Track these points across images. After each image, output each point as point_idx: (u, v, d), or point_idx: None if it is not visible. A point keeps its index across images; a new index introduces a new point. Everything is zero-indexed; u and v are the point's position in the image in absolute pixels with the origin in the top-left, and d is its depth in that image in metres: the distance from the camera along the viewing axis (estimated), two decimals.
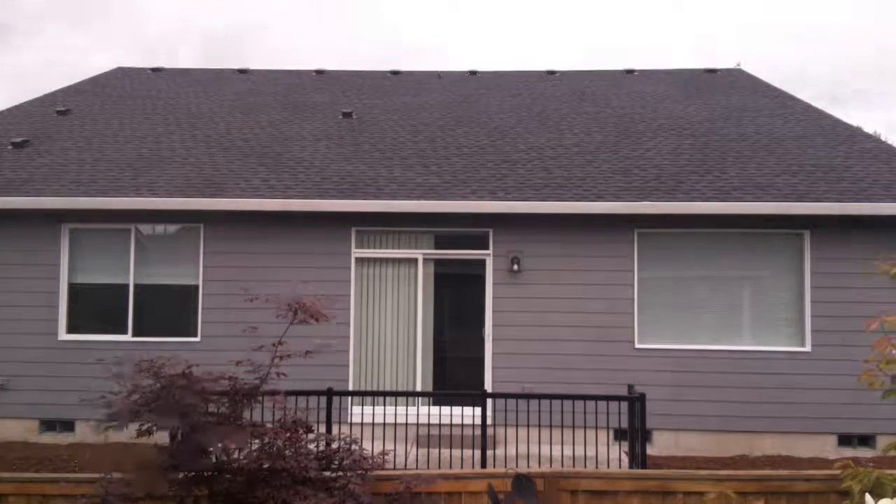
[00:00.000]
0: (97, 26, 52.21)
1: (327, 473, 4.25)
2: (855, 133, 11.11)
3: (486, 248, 9.20)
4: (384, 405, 7.73)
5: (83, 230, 9.42)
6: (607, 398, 6.93)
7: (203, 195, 9.14)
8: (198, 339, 9.09)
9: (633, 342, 8.90)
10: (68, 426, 9.05)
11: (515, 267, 9.02)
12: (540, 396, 7.08)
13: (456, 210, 8.89)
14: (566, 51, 48.71)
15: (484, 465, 6.77)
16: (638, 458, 6.80)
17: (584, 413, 6.89)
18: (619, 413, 7.17)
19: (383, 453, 4.54)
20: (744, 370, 8.74)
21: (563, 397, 6.98)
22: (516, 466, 6.95)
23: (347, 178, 9.58)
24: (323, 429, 6.48)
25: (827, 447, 8.57)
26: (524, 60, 50.89)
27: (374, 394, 8.56)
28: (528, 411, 6.87)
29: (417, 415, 7.70)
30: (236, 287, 8.52)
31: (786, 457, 8.48)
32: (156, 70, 15.10)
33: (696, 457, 8.40)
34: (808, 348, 8.78)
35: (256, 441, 4.15)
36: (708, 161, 9.91)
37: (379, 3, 51.94)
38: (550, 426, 7.09)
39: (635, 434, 6.88)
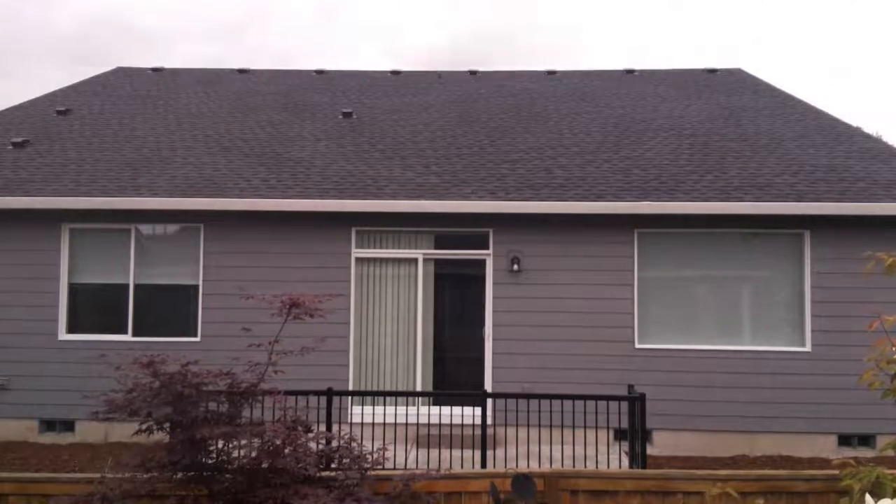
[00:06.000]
0: None
1: (326, 473, 4.24)
2: (855, 133, 11.11)
3: (486, 248, 9.19)
4: (384, 405, 7.74)
5: (83, 230, 9.42)
6: (607, 398, 6.92)
7: (203, 195, 9.13)
8: (198, 338, 9.09)
9: (633, 342, 8.89)
10: (68, 426, 9.05)
11: (515, 267, 9.01)
12: (540, 396, 7.08)
13: (456, 210, 8.89)
14: (566, 51, 48.72)
15: (484, 464, 6.76)
16: (638, 458, 6.79)
17: (585, 413, 6.89)
18: (619, 413, 7.17)
19: (383, 449, 4.53)
20: (744, 370, 8.73)
21: (563, 397, 6.98)
22: (516, 466, 6.96)
23: (347, 178, 9.58)
24: (323, 428, 6.48)
25: (827, 447, 8.56)
26: (524, 60, 50.91)
27: (374, 394, 8.56)
28: (528, 411, 6.86)
29: (417, 415, 7.70)
30: (236, 287, 8.54)
31: (786, 457, 8.48)
32: (156, 70, 15.09)
33: (696, 457, 8.40)
34: (808, 348, 8.78)
35: (256, 440, 4.14)
36: (708, 161, 9.91)
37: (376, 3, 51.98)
38: (550, 426, 7.09)
39: (635, 434, 6.87)
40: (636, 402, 6.86)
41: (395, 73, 14.99)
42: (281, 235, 9.18)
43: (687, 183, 9.26)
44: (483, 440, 6.86)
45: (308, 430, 4.52)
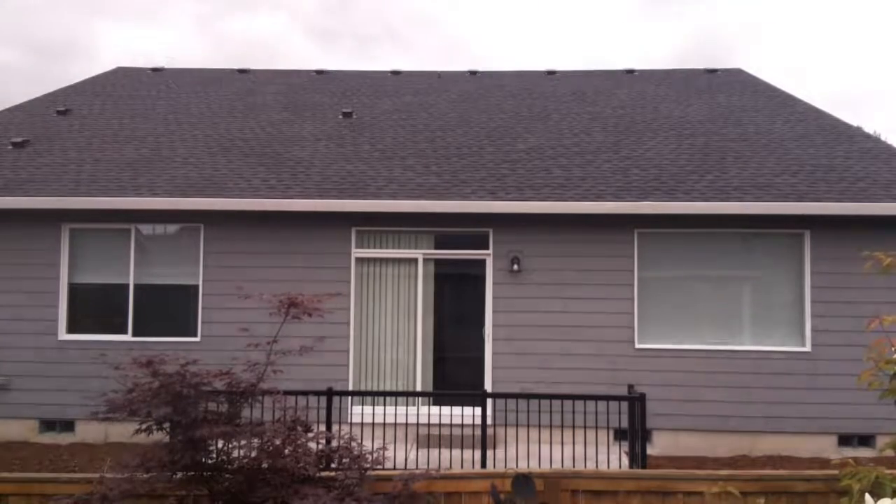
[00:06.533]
0: None
1: (326, 472, 4.24)
2: (855, 133, 11.11)
3: (486, 248, 9.19)
4: (384, 405, 7.75)
5: (83, 230, 9.42)
6: (607, 398, 6.93)
7: (203, 195, 9.13)
8: (198, 338, 9.09)
9: (633, 342, 8.89)
10: (68, 426, 9.05)
11: (515, 267, 9.01)
12: (540, 396, 7.09)
13: (456, 210, 8.89)
14: (566, 51, 48.73)
15: (484, 465, 6.77)
16: (638, 458, 6.80)
17: (585, 413, 6.90)
18: (619, 413, 7.17)
19: (383, 449, 4.53)
20: (744, 370, 8.73)
21: (563, 397, 6.99)
22: (516, 466, 6.95)
23: (347, 178, 9.58)
24: (323, 428, 6.48)
25: (827, 447, 8.56)
26: (524, 60, 50.93)
27: (374, 394, 8.56)
28: (528, 411, 6.87)
29: (417, 415, 7.70)
30: (236, 287, 8.54)
31: (786, 457, 8.48)
32: (156, 70, 15.09)
33: (697, 457, 8.40)
34: (808, 348, 8.78)
35: (256, 440, 4.14)
36: (708, 161, 9.91)
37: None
38: (550, 426, 7.09)
39: (635, 434, 6.88)
40: (636, 402, 6.86)
41: (395, 73, 14.99)
42: (281, 235, 9.18)
43: (687, 183, 9.26)
44: (483, 440, 6.86)
45: (308, 430, 4.51)
